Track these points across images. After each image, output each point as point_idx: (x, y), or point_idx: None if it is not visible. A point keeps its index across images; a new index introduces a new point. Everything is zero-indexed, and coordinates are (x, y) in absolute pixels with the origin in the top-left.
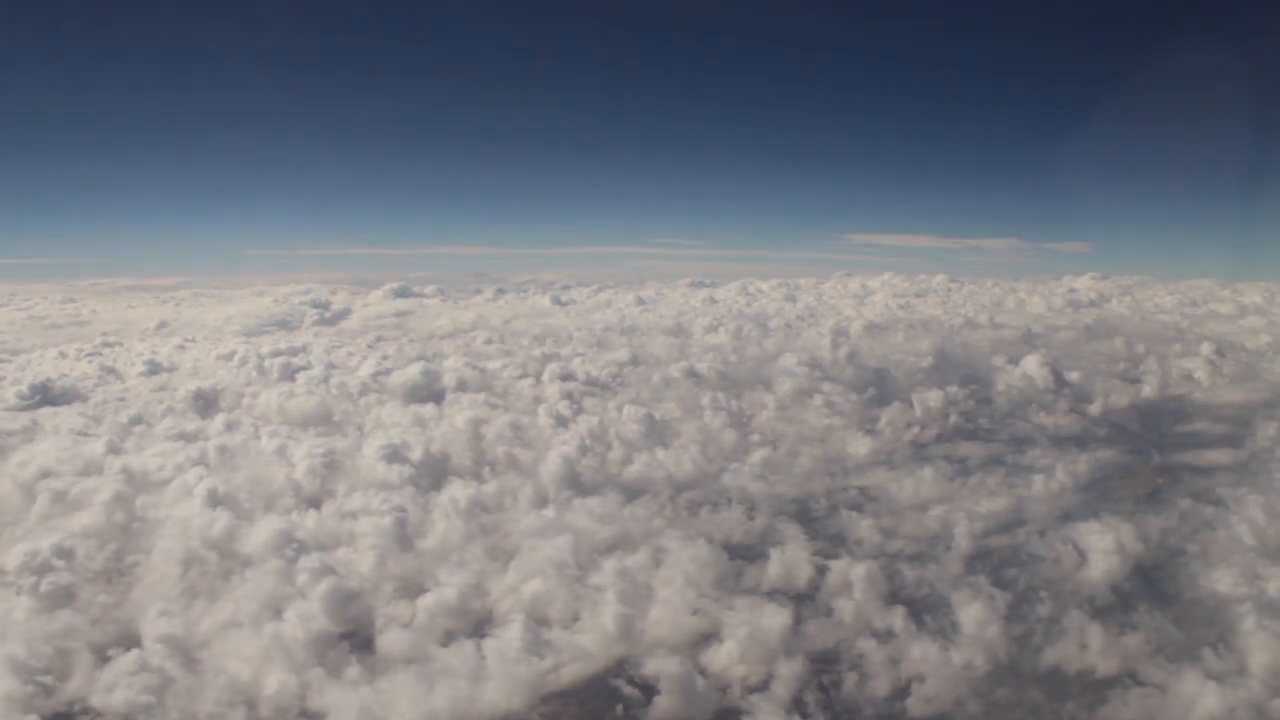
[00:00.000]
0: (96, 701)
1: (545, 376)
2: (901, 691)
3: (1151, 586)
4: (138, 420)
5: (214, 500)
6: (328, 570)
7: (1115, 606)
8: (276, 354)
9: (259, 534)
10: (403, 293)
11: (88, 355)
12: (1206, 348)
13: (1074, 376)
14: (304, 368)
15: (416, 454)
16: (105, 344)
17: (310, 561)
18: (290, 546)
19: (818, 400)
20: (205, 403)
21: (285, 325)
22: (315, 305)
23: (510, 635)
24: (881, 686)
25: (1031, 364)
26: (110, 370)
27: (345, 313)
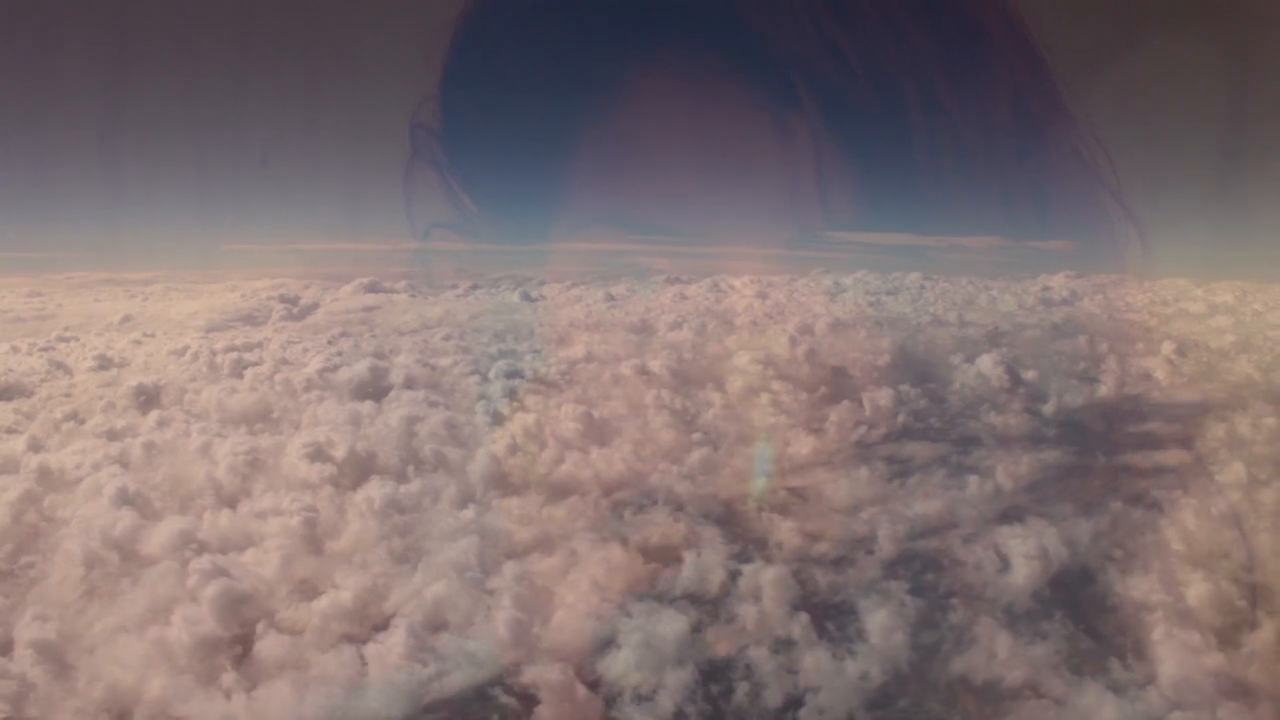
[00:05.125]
0: None
1: (491, 374)
2: (795, 702)
3: (1072, 593)
4: (72, 416)
5: (123, 499)
6: (220, 572)
7: (1034, 614)
8: (230, 349)
9: (159, 535)
10: (373, 288)
11: (41, 350)
12: (1167, 347)
13: (1031, 375)
14: (256, 363)
15: (340, 452)
16: (61, 338)
17: (203, 563)
18: (190, 547)
19: (765, 399)
20: (147, 399)
21: (251, 320)
22: (283, 300)
23: (393, 640)
24: (774, 697)
25: (987, 363)
26: (60, 365)
27: (313, 308)
